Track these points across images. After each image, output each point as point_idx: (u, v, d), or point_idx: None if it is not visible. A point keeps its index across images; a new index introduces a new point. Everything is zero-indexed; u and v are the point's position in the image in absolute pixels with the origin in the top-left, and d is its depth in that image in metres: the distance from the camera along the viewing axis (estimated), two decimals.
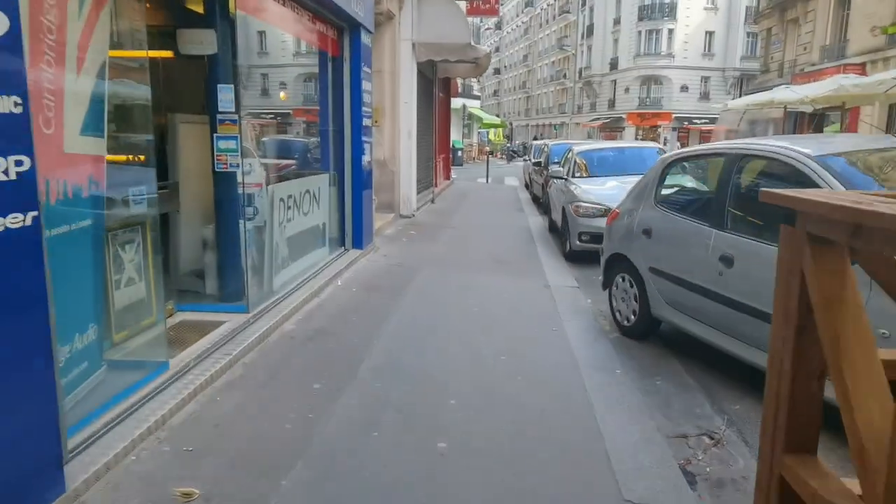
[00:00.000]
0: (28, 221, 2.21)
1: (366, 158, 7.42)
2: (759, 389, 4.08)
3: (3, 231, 2.12)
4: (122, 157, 3.68)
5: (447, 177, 19.09)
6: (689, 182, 5.19)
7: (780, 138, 4.80)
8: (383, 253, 7.90)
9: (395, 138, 10.77)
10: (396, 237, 9.29)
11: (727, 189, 4.15)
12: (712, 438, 3.39)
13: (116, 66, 3.48)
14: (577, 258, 8.06)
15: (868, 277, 1.65)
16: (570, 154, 10.17)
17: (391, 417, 3.33)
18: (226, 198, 4.67)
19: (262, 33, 7.77)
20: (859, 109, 18.36)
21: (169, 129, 4.92)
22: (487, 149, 33.53)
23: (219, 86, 4.37)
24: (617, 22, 48.83)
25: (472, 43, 11.37)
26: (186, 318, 4.50)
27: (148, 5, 4.06)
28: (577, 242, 7.92)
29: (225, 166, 4.46)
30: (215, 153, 4.46)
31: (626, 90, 47.95)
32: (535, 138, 51.63)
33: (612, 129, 48.91)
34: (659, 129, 45.86)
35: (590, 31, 53.09)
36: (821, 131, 19.30)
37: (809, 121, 20.04)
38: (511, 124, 60.53)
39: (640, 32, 46.70)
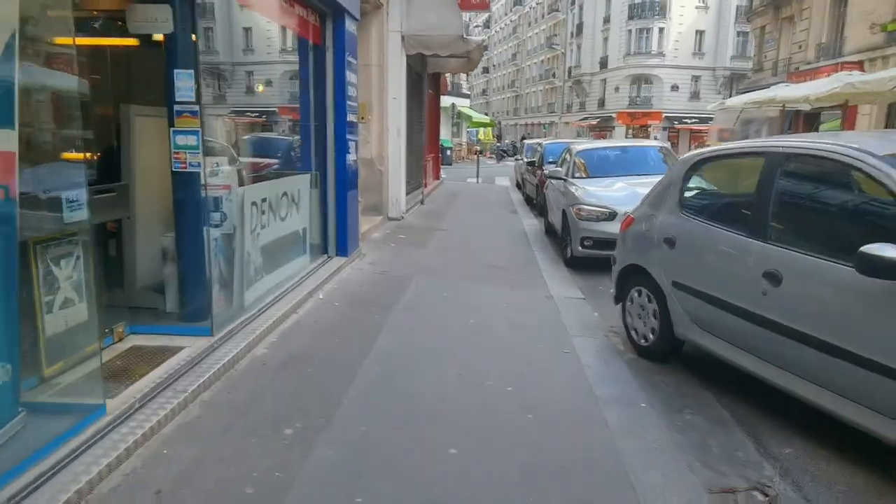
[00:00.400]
0: None
1: (351, 157, 6.79)
2: (811, 428, 3.34)
3: None
4: (67, 156, 3.06)
5: (437, 176, 18.48)
6: (719, 185, 4.62)
7: (821, 135, 4.23)
8: (370, 260, 7.27)
9: (383, 136, 10.14)
10: (384, 242, 8.66)
11: (770, 194, 3.57)
12: (766, 495, 2.81)
13: (44, 52, 2.90)
14: (578, 264, 7.49)
15: None
16: (569, 153, 9.60)
17: (376, 477, 2.71)
18: (187, 202, 4.02)
19: (231, 13, 7.10)
20: (857, 108, 18.00)
21: (122, 124, 4.28)
22: (477, 148, 32.94)
23: (176, 71, 3.72)
24: (607, 20, 48.47)
25: (465, 35, 10.77)
26: (139, 342, 3.85)
27: None
28: (580, 248, 7.35)
29: (183, 165, 3.82)
30: (172, 150, 3.82)
31: (616, 89, 47.60)
32: (524, 137, 51.18)
33: (601, 128, 48.56)
34: (649, 129, 45.55)
35: (579, 29, 52.70)
36: (817, 129, 18.97)
37: (805, 119, 19.69)
38: (500, 123, 59.99)
39: (630, 31, 46.37)
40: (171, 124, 3.82)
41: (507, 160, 38.36)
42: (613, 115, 47.32)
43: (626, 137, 44.91)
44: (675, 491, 2.76)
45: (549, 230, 10.03)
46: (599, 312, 5.68)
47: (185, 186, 3.95)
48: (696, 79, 45.94)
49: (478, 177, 21.75)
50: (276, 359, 3.97)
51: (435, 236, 9.31)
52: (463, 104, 37.85)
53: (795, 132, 17.30)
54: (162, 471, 2.62)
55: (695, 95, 45.66)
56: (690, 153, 4.76)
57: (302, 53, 6.31)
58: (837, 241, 3.19)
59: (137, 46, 4.37)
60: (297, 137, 6.70)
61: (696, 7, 44.88)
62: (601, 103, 49.61)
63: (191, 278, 4.11)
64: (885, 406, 2.76)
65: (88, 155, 4.46)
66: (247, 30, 8.33)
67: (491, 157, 40.86)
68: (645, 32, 45.87)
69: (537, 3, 62.56)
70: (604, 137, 43.28)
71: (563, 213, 8.02)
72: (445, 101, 25.98)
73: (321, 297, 5.48)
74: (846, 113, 17.65)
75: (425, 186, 14.45)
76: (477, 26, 53.69)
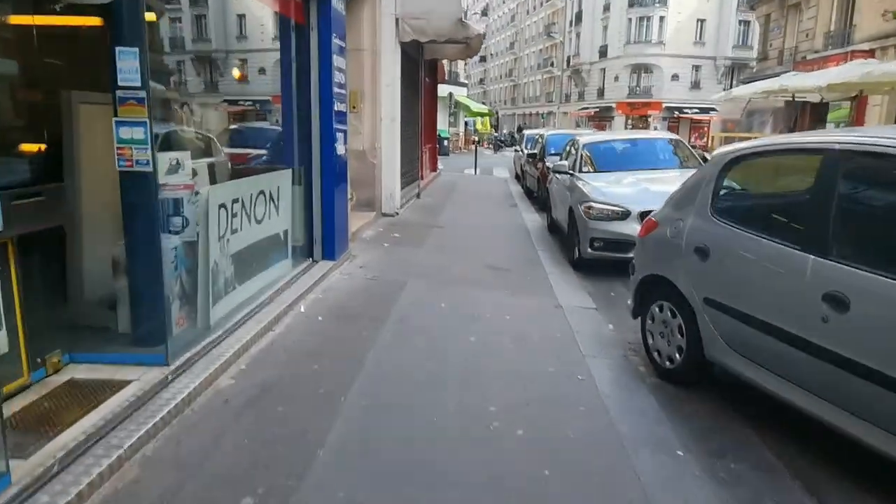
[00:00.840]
0: None
1: (339, 150, 6.16)
2: (882, 480, 2.70)
3: None
4: None
5: (434, 168, 17.82)
6: (761, 187, 4.01)
7: (885, 129, 3.60)
8: (361, 262, 6.66)
9: (376, 126, 9.49)
10: (377, 241, 8.04)
11: (830, 200, 2.96)
12: None
13: None
14: (587, 266, 6.90)
15: None
16: (574, 146, 8.96)
17: None
18: (136, 206, 3.40)
19: None
20: (867, 99, 17.37)
21: (63, 113, 3.63)
22: (475, 138, 32.20)
23: (117, 49, 3.08)
24: (606, 9, 47.59)
25: (464, 19, 10.08)
26: (79, 374, 3.24)
27: None
28: (589, 250, 6.74)
29: (129, 164, 3.19)
30: (116, 145, 3.18)
31: (616, 78, 46.82)
32: (520, 128, 50.39)
33: (601, 118, 47.83)
34: (649, 119, 44.87)
35: (578, 18, 51.79)
36: (824, 121, 18.36)
37: (812, 109, 19.05)
38: (497, 113, 59.18)
39: (630, 20, 45.52)
40: (116, 114, 3.19)
41: (504, 150, 37.68)
42: (613, 105, 46.57)
43: (627, 128, 44.31)
44: None
45: (553, 227, 9.43)
46: (614, 324, 5.10)
47: (134, 188, 3.33)
48: (696, 68, 45.19)
49: (476, 168, 21.11)
50: (242, 393, 3.36)
51: (431, 234, 8.69)
52: (460, 93, 37.06)
53: (802, 124, 16.66)
54: None
55: (695, 85, 44.94)
56: (724, 149, 4.13)
57: (283, 33, 5.66)
58: None
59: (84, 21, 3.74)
60: (275, 127, 6.05)
61: None
62: (600, 93, 48.83)
63: (143, 296, 3.49)
64: None
65: (36, 148, 3.89)
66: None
67: (488, 148, 40.14)
68: (645, 21, 45.03)
69: None
70: (603, 128, 42.59)
71: (570, 210, 7.40)
72: (443, 89, 25.26)
73: (303, 310, 4.86)
74: (855, 104, 17.07)
75: (422, 179, 13.81)
76: (475, 14, 52.72)
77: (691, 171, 7.80)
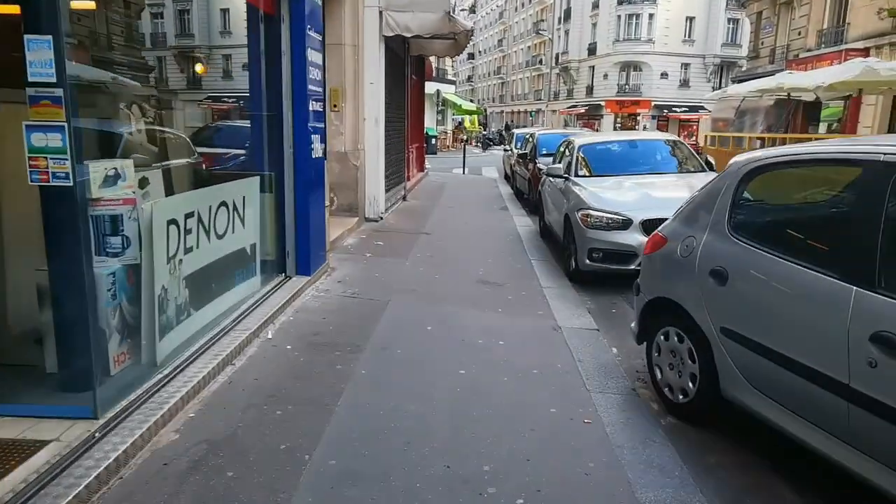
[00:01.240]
0: None
1: (315, 153, 5.59)
2: None
3: None
4: None
5: (421, 168, 17.25)
6: (788, 202, 3.50)
7: None
8: (339, 276, 6.10)
9: (359, 126, 8.91)
10: (358, 251, 7.47)
11: (877, 221, 2.46)
12: None
13: None
14: (584, 278, 6.40)
15: None
16: (569, 147, 8.44)
17: None
18: (58, 225, 2.83)
19: None
20: (861, 98, 17.03)
21: None
22: (464, 137, 31.62)
23: (27, 38, 2.51)
24: (595, 6, 47.21)
25: (450, 13, 9.52)
26: None
27: None
28: (587, 261, 6.23)
29: (44, 177, 2.62)
30: (27, 154, 2.61)
31: (605, 76, 46.47)
32: (507, 126, 49.85)
33: (590, 116, 47.48)
34: (638, 117, 44.59)
35: (567, 15, 51.37)
36: (817, 121, 18.03)
37: (804, 108, 18.72)
38: (486, 111, 58.61)
39: (619, 17, 45.16)
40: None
41: (493, 149, 37.16)
42: (602, 103, 46.22)
43: (616, 126, 44.01)
44: None
45: (545, 232, 8.93)
46: (618, 347, 4.62)
47: (54, 205, 2.76)
48: (685, 66, 44.97)
49: (464, 167, 20.58)
50: (186, 453, 2.79)
51: (418, 242, 8.14)
52: (448, 91, 36.48)
53: (794, 122, 16.29)
54: None
55: (684, 83, 44.72)
56: (744, 157, 3.61)
57: (251, 24, 5.08)
58: None
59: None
60: (242, 129, 5.48)
61: None
62: (589, 91, 48.46)
63: (68, 332, 2.92)
64: None
65: None
66: None
67: (476, 146, 39.60)
68: (634, 18, 44.70)
69: None
70: (592, 126, 42.22)
71: (566, 217, 6.88)
72: (430, 87, 24.70)
73: (270, 336, 4.29)
74: (849, 103, 16.73)
75: (408, 180, 13.25)
76: (463, 10, 52.10)
77: (695, 176, 7.42)
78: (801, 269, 2.76)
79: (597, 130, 35.00)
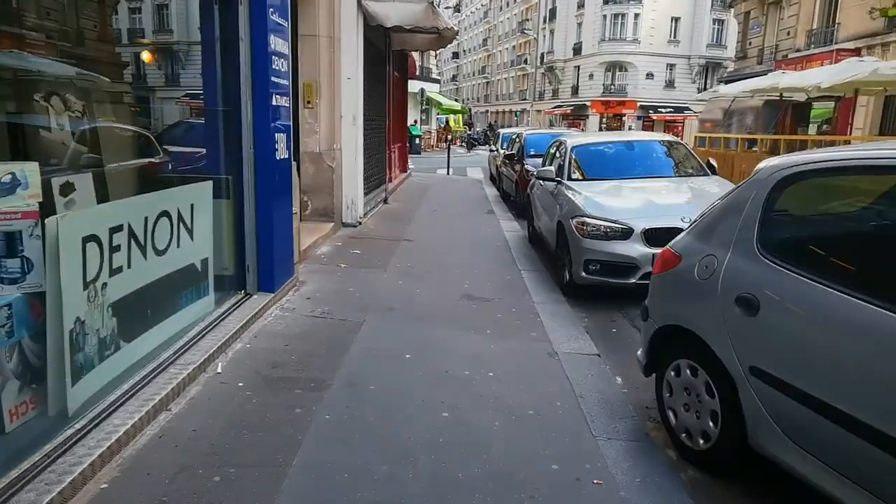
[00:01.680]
0: None
1: (279, 153, 4.96)
2: None
3: None
4: None
5: (403, 169, 16.61)
6: (839, 217, 2.91)
7: None
8: (309, 291, 5.46)
9: (335, 124, 8.26)
10: (332, 260, 6.83)
11: None
12: None
13: None
14: (579, 291, 5.83)
15: None
16: (559, 148, 7.86)
17: None
18: None
19: None
20: (856, 99, 16.73)
21: None
22: (448, 136, 30.99)
23: None
24: (581, 5, 46.89)
25: (433, 4, 8.91)
26: None
27: None
28: (583, 274, 5.66)
29: None
30: None
31: (591, 76, 46.17)
32: (491, 125, 49.30)
33: (575, 116, 47.14)
34: (624, 118, 44.34)
35: (552, 14, 51.01)
36: (806, 121, 17.72)
37: (794, 109, 18.39)
38: (471, 110, 58.04)
39: (604, 17, 44.89)
40: None
41: (478, 149, 36.58)
42: (587, 104, 45.90)
43: (601, 127, 43.70)
44: None
45: (534, 238, 8.36)
46: (622, 376, 4.05)
47: None
48: (671, 67, 44.84)
49: (449, 168, 19.97)
50: None
51: (398, 250, 7.52)
52: (433, 89, 35.84)
53: (784, 123, 15.93)
54: None
55: (670, 84, 44.58)
56: (773, 161, 3.04)
57: (203, 5, 4.43)
58: None
59: None
60: (192, 127, 4.81)
61: None
62: (574, 91, 48.12)
63: None
64: None
65: None
66: None
67: (461, 146, 39.00)
68: (620, 18, 44.45)
69: None
70: (577, 126, 41.82)
71: (559, 224, 6.30)
72: (414, 85, 24.08)
73: (220, 370, 3.64)
74: (839, 104, 16.40)
75: (390, 181, 12.61)
76: (448, 8, 51.50)
77: (697, 179, 6.88)
78: (857, 301, 2.20)
79: (582, 131, 34.57)
